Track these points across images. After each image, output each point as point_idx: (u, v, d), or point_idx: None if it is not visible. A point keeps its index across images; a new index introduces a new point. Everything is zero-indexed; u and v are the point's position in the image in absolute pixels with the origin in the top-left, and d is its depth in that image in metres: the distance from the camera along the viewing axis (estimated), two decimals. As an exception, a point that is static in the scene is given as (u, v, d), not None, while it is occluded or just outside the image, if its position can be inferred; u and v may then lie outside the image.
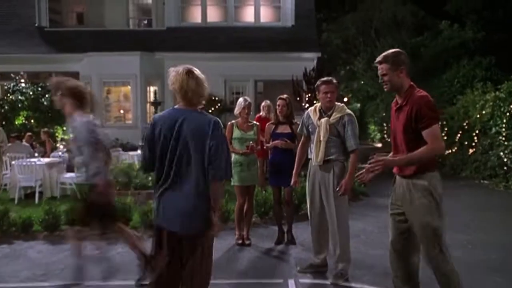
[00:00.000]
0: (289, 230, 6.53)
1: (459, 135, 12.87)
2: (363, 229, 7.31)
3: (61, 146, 8.16)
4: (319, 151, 5.01)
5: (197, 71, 3.36)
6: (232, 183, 6.42)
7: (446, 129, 13.65)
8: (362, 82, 23.97)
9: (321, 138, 4.98)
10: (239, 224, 6.53)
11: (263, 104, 8.77)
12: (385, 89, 3.80)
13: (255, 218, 7.60)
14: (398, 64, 3.67)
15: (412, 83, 3.74)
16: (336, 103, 5.16)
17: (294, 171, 5.44)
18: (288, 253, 6.16)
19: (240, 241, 6.44)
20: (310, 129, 5.21)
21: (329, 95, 5.03)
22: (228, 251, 6.23)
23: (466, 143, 12.55)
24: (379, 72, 3.74)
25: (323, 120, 5.03)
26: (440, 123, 3.71)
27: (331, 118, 5.03)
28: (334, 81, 5.19)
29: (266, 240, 6.66)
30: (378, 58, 3.74)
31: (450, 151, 13.42)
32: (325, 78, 5.23)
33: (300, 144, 5.49)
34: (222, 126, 3.30)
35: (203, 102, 3.39)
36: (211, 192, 3.25)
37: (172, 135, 3.26)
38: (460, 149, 12.88)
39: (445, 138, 13.77)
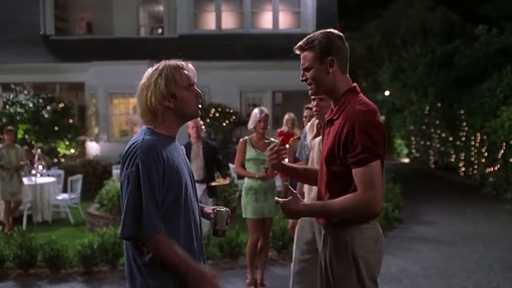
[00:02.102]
0: (314, 274, 5.24)
1: (502, 151, 11.45)
2: (404, 269, 5.96)
3: (40, 165, 7.06)
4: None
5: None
6: (244, 215, 5.17)
7: (487, 144, 12.25)
8: (388, 93, 22.69)
9: (315, 165, 3.54)
10: (251, 265, 5.26)
11: (286, 117, 7.64)
12: (310, 93, 2.47)
13: (271, 252, 6.37)
14: (329, 52, 2.35)
15: (354, 84, 2.43)
16: None
17: None
18: (314, 306, 4.86)
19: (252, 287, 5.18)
20: (306, 153, 3.89)
21: (315, 102, 3.60)
22: (237, 302, 4.98)
23: (511, 160, 11.13)
24: (301, 64, 2.42)
25: (316, 140, 3.63)
26: (380, 159, 2.28)
27: None
28: None
29: (284, 283, 5.35)
30: (300, 43, 2.41)
31: (491, 169, 11.99)
32: None
33: None
34: (141, 153, 2.04)
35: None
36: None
37: None
38: (503, 167, 11.46)
39: (486, 154, 12.38)
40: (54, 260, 5.78)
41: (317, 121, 3.75)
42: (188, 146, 6.13)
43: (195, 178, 6.46)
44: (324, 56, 2.35)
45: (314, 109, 3.64)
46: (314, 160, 3.52)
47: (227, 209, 2.39)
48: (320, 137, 3.49)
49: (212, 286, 2.10)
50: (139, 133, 2.18)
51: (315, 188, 3.12)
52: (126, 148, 2.11)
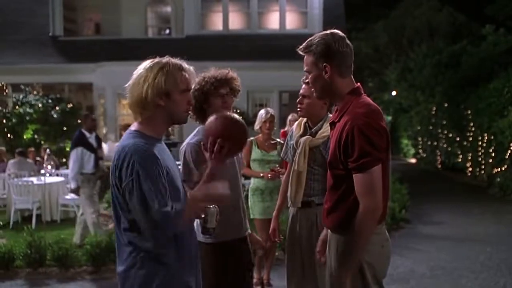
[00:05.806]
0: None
1: (509, 151, 11.42)
2: (411, 270, 5.97)
3: (49, 165, 7.08)
4: (295, 188, 3.44)
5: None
6: (251, 216, 5.20)
7: (494, 144, 12.22)
8: (394, 93, 22.64)
9: (296, 167, 3.38)
10: (258, 264, 5.29)
11: (289, 117, 7.62)
12: (315, 95, 2.55)
13: (278, 252, 6.36)
14: (328, 56, 2.33)
15: (357, 85, 2.42)
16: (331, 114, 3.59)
17: (274, 214, 3.84)
18: (320, 305, 4.88)
19: (259, 287, 5.20)
20: (292, 153, 3.62)
21: (299, 99, 3.46)
22: (244, 300, 5.00)
23: (518, 160, 11.13)
24: (304, 66, 2.46)
25: (302, 139, 3.44)
26: (381, 163, 2.26)
27: (316, 136, 3.41)
28: None
29: (291, 284, 5.40)
30: (301, 46, 2.44)
31: (499, 169, 11.96)
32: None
33: (285, 176, 3.82)
34: (138, 159, 1.96)
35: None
36: None
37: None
38: (511, 168, 11.43)
39: (493, 154, 12.36)
40: (63, 259, 5.83)
41: (304, 119, 3.58)
42: None
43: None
44: (320, 61, 2.35)
45: (299, 105, 3.49)
46: (297, 160, 3.37)
47: (216, 206, 2.30)
48: (306, 136, 3.44)
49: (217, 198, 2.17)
50: (127, 136, 2.10)
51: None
52: (117, 154, 2.02)
